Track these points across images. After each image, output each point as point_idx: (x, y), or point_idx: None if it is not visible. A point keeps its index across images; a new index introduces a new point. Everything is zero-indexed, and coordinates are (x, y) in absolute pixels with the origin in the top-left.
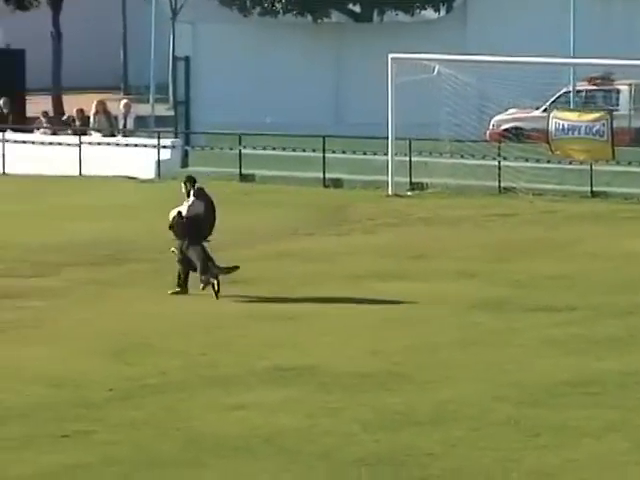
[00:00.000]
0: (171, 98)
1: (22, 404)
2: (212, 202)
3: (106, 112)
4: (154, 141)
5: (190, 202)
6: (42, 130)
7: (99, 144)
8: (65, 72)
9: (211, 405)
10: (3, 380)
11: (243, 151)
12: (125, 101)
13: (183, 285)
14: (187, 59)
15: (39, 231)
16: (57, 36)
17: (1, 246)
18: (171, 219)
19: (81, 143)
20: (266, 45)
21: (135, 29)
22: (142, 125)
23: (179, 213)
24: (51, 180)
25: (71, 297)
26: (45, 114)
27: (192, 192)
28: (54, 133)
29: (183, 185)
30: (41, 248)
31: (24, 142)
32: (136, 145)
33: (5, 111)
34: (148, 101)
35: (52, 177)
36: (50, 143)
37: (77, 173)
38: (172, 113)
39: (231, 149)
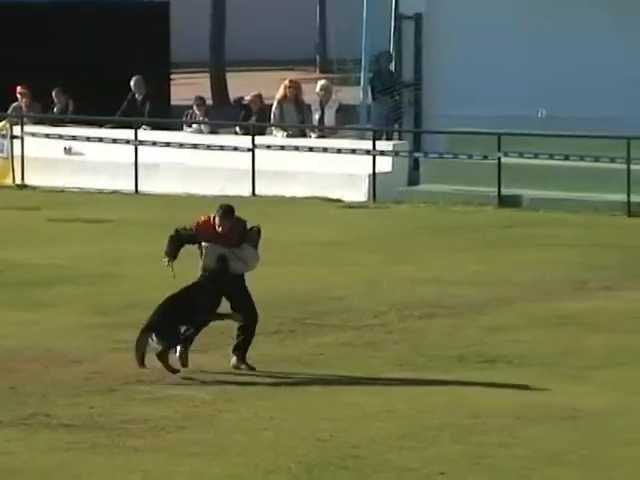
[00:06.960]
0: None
1: None
2: None
3: (298, 100)
4: (367, 144)
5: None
6: (195, 127)
7: (282, 148)
8: (230, 40)
9: None
10: None
11: (504, 160)
12: (323, 82)
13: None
14: (418, 18)
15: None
16: None
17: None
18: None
19: (255, 147)
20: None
21: None
22: (348, 120)
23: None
24: (201, 201)
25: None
26: (200, 101)
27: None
28: (213, 131)
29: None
30: None
31: (168, 145)
32: (339, 150)
33: (139, 96)
34: (357, 83)
35: (204, 197)
36: (209, 147)
37: (248, 192)
38: (394, 102)
39: (486, 158)
